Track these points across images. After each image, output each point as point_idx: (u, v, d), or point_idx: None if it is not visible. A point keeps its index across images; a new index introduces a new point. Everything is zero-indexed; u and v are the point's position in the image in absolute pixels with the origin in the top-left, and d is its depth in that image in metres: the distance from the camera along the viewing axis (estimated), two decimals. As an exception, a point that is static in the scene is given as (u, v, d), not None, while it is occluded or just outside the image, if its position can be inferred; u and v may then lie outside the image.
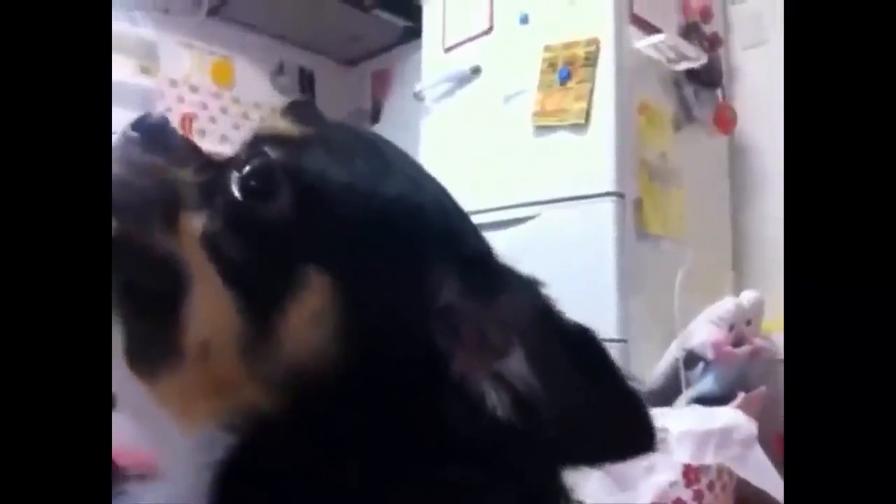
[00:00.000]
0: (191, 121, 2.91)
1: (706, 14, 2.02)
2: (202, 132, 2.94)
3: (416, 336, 0.38)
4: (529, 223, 1.77)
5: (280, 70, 3.24)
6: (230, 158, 0.44)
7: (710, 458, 1.38)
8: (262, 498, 0.37)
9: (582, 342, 0.38)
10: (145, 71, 2.82)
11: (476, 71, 2.03)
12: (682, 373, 1.67)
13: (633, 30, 1.79)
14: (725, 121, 2.07)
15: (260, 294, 0.39)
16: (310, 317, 0.38)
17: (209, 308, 0.39)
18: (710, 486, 1.39)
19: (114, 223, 0.41)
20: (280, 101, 3.20)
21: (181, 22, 2.91)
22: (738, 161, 2.14)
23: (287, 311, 0.38)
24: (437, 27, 2.22)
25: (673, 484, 1.36)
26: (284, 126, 0.44)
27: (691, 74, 1.93)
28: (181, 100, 2.94)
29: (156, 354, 0.40)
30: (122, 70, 2.64)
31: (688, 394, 1.67)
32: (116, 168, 0.42)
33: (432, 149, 2.14)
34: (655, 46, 1.80)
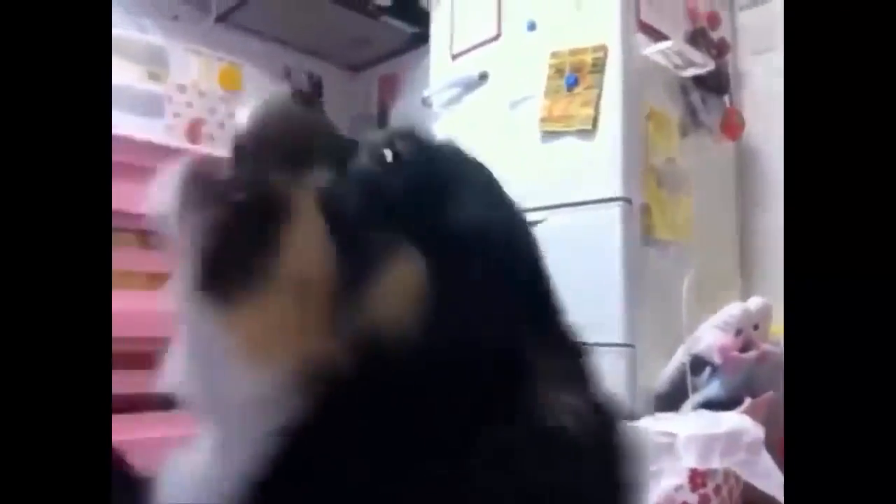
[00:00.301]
0: (199, 125, 2.93)
1: (714, 20, 2.03)
2: (210, 137, 2.96)
3: (494, 346, 0.40)
4: (536, 228, 1.77)
5: (287, 75, 3.26)
6: (361, 140, 0.47)
7: (716, 463, 1.38)
8: (325, 468, 0.38)
9: (614, 414, 0.41)
10: (154, 77, 2.84)
11: (483, 77, 2.04)
12: (689, 377, 1.67)
13: (640, 36, 1.80)
14: (733, 127, 2.07)
15: (360, 254, 0.41)
16: (400, 290, 0.40)
17: (308, 249, 0.41)
18: (717, 491, 1.39)
19: (242, 161, 0.44)
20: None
21: (190, 29, 2.94)
22: (745, 167, 2.15)
23: (380, 277, 0.40)
24: (444, 34, 2.23)
25: (678, 488, 1.36)
26: (418, 130, 0.48)
27: (698, 80, 1.93)
28: (190, 105, 2.96)
29: (239, 282, 0.40)
30: (131, 76, 2.66)
31: (694, 398, 1.67)
32: (271, 112, 0.46)
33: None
34: (663, 53, 1.80)
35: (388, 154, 0.45)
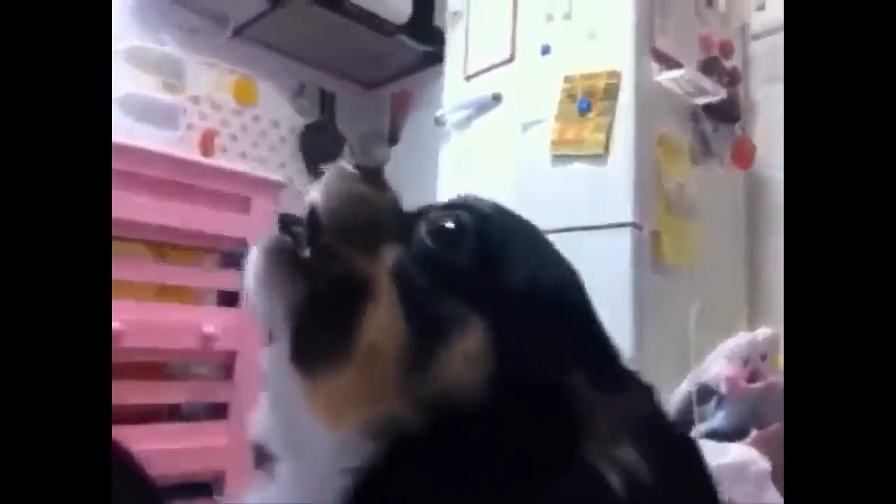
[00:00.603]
0: (212, 137, 2.95)
1: (727, 49, 2.04)
2: (224, 149, 2.98)
3: (548, 401, 0.43)
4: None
5: (301, 91, 3.29)
6: (423, 211, 0.52)
7: (723, 495, 1.36)
8: None
9: (685, 448, 0.44)
10: (169, 88, 2.86)
11: (497, 98, 2.05)
12: (696, 407, 1.65)
13: (653, 64, 1.81)
14: (744, 155, 2.07)
15: (429, 322, 0.44)
16: (464, 355, 0.43)
17: (384, 322, 0.45)
18: (723, 524, 1.37)
19: (326, 239, 0.48)
20: (299, 121, 3.25)
21: (206, 42, 2.97)
22: (754, 195, 2.15)
23: (448, 344, 0.44)
24: (459, 54, 2.25)
25: (684, 519, 1.35)
26: (478, 200, 0.52)
27: (710, 109, 1.94)
28: (203, 116, 2.98)
29: (322, 356, 0.45)
30: (146, 86, 2.68)
31: (700, 428, 1.66)
32: (342, 191, 0.50)
33: (451, 174, 2.16)
34: (675, 80, 1.81)
35: (449, 224, 0.48)
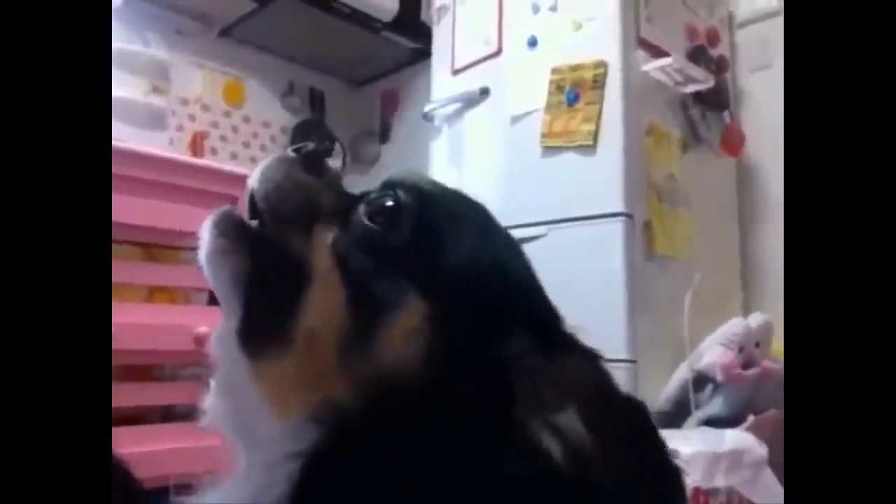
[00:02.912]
0: (202, 139, 2.94)
1: (713, 37, 2.04)
2: (213, 150, 2.97)
3: (488, 374, 0.42)
4: (537, 243, 1.77)
5: (290, 90, 3.28)
6: (363, 193, 0.52)
7: (720, 481, 1.37)
8: (337, 491, 0.41)
9: (633, 413, 0.42)
10: (157, 90, 2.85)
11: (485, 92, 2.05)
12: (692, 395, 1.66)
13: (640, 53, 1.81)
14: (733, 143, 2.08)
15: (368, 301, 0.45)
16: (404, 333, 0.44)
17: (324, 303, 0.46)
18: (721, 510, 1.38)
19: (263, 223, 0.50)
20: (290, 120, 3.25)
21: (193, 43, 2.96)
22: (745, 182, 2.15)
23: (387, 322, 0.44)
24: (446, 49, 2.25)
25: (682, 507, 1.35)
26: (416, 177, 0.52)
27: (698, 97, 1.94)
28: (192, 118, 2.97)
29: (268, 337, 0.46)
30: (135, 89, 2.67)
31: (697, 416, 1.66)
32: (276, 178, 0.51)
33: (441, 169, 2.16)
34: (663, 69, 1.81)
35: (388, 203, 0.49)
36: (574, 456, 0.38)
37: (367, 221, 0.48)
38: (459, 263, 0.46)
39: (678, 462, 0.41)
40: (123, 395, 1.27)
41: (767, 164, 2.12)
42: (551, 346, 0.44)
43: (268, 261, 0.48)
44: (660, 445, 0.41)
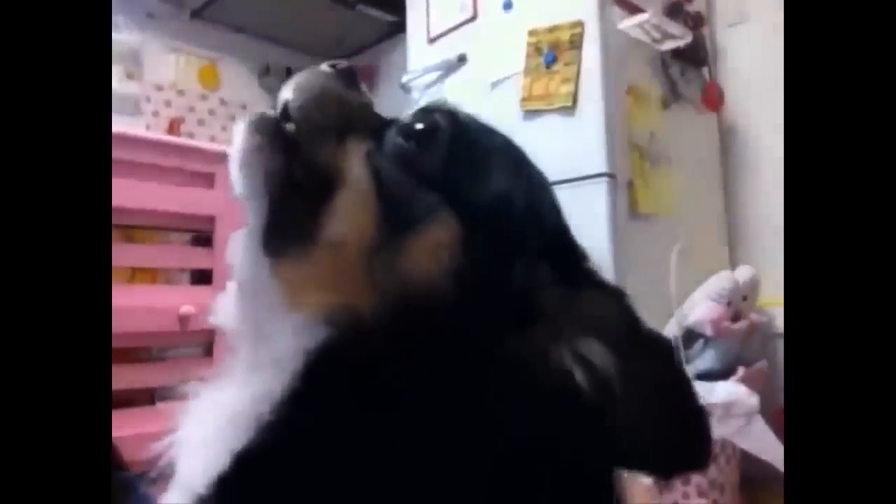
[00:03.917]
0: (179, 124, 2.90)
1: (689, -7, 2.03)
2: (191, 135, 2.94)
3: (512, 296, 0.42)
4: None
5: (266, 71, 3.24)
6: (395, 118, 0.52)
7: (712, 432, 1.38)
8: (341, 392, 0.41)
9: (661, 350, 0.41)
10: (131, 76, 2.81)
11: (462, 59, 2.03)
12: (682, 351, 1.67)
13: (616, 11, 1.79)
14: (713, 99, 2.07)
15: (400, 213, 0.45)
16: (433, 247, 0.44)
17: (354, 210, 0.46)
18: (714, 459, 1.39)
19: (294, 129, 0.49)
20: (268, 101, 3.21)
21: (166, 25, 2.91)
22: (727, 138, 2.15)
23: (417, 235, 0.44)
24: (421, 18, 2.22)
25: (676, 459, 1.36)
26: (453, 106, 0.52)
27: (677, 53, 1.93)
28: (168, 104, 2.93)
29: (291, 237, 0.46)
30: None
31: (688, 370, 1.67)
32: (312, 88, 0.50)
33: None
34: (640, 26, 1.79)
35: (424, 125, 0.49)
36: (598, 382, 0.38)
37: (401, 139, 0.49)
38: (491, 191, 0.46)
39: (703, 406, 0.40)
40: (116, 379, 1.26)
41: (747, 120, 2.12)
42: (576, 281, 0.44)
43: (301, 162, 0.48)
44: (686, 385, 0.40)
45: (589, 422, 0.38)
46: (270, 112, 0.50)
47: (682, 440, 0.39)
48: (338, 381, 0.41)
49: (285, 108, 0.49)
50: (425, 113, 0.50)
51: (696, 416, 0.40)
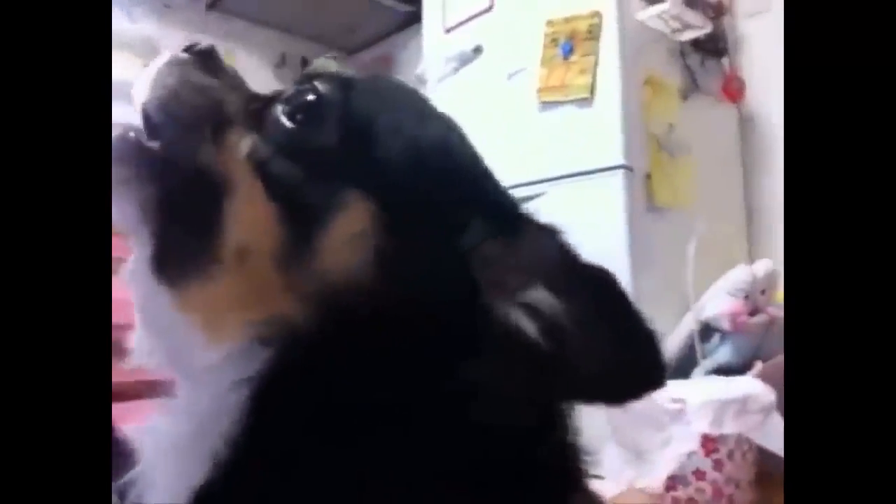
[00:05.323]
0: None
1: (709, -18, 1.99)
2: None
3: (446, 265, 0.40)
4: (537, 201, 1.75)
5: (282, 61, 3.24)
6: (278, 92, 0.46)
7: (728, 428, 1.37)
8: (295, 415, 0.38)
9: (602, 281, 0.39)
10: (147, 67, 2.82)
11: (478, 50, 2.01)
12: (699, 344, 1.65)
13: (634, 1, 1.77)
14: (733, 90, 2.04)
15: (303, 210, 0.40)
16: (349, 237, 0.40)
17: (250, 218, 0.41)
18: (730, 455, 1.38)
19: (160, 136, 0.43)
20: (283, 92, 3.22)
21: (182, 16, 2.91)
22: (747, 130, 2.12)
23: (328, 228, 0.40)
24: (437, 8, 2.20)
25: (691, 454, 1.35)
26: (335, 66, 0.47)
27: (696, 44, 1.90)
28: (185, 95, 2.94)
29: (187, 261, 0.41)
30: (124, 67, 2.63)
31: (705, 365, 1.66)
32: (169, 83, 0.44)
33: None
34: (659, 16, 1.77)
35: (308, 98, 0.44)
36: (549, 330, 0.37)
37: (286, 121, 0.43)
38: (398, 155, 0.42)
39: (652, 328, 0.39)
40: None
41: (768, 111, 2.08)
42: (508, 229, 0.41)
43: (176, 182, 0.42)
44: (631, 312, 0.39)
45: (544, 370, 0.37)
46: (131, 132, 0.44)
47: (634, 366, 0.39)
48: (291, 407, 0.38)
49: (146, 113, 0.44)
50: (306, 84, 0.44)
51: (647, 340, 0.39)
